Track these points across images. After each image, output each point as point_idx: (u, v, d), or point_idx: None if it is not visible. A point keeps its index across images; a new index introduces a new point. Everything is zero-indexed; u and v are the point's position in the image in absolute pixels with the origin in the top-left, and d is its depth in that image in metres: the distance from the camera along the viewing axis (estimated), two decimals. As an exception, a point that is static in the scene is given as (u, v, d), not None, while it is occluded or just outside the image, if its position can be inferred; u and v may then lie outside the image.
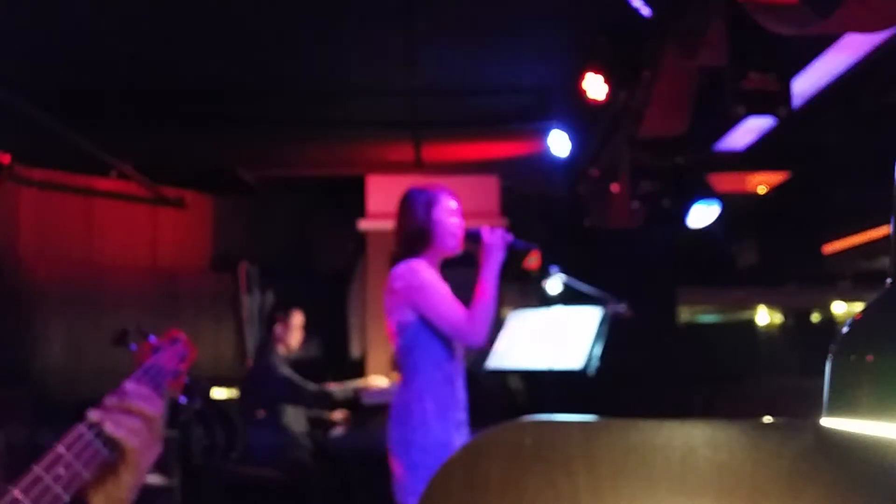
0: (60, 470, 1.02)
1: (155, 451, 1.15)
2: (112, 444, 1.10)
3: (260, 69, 4.82)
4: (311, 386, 5.08)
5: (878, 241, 6.09)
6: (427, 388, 3.07)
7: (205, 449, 5.72)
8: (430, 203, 3.18)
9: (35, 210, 6.35)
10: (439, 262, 3.21)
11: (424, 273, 3.09)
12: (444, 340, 3.10)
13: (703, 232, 4.34)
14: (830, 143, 4.65)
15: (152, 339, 1.38)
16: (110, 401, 1.13)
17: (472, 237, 3.19)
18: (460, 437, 3.06)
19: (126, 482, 1.12)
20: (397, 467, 3.07)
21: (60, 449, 1.04)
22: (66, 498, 1.02)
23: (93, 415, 1.11)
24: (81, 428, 1.08)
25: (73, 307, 6.40)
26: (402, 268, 3.12)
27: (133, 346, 1.37)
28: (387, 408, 3.30)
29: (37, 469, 1.01)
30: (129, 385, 1.17)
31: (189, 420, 5.66)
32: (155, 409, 1.15)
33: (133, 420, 1.12)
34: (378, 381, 5.46)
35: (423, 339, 3.09)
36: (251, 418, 5.19)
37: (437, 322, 3.05)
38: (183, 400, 1.40)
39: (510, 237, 3.18)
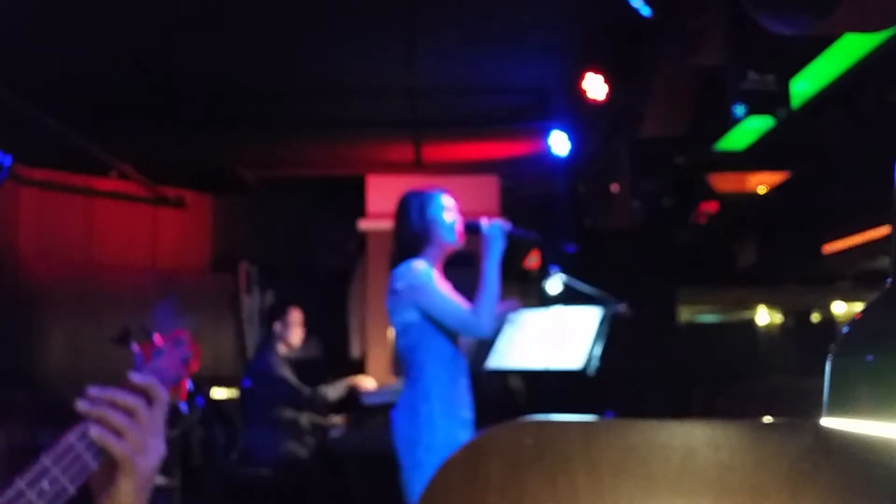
0: (45, 485, 0.96)
1: (154, 453, 1.07)
2: (102, 454, 1.03)
3: (260, 69, 4.82)
4: (306, 390, 5.08)
5: (878, 241, 6.08)
6: (432, 387, 3.08)
7: (205, 449, 5.73)
8: (424, 203, 3.20)
9: (35, 210, 6.35)
10: (442, 260, 3.21)
11: (425, 271, 3.10)
12: (449, 339, 3.11)
13: (703, 232, 4.34)
14: (830, 143, 4.65)
15: (156, 338, 1.29)
16: (95, 392, 1.05)
17: (472, 229, 3.20)
18: (466, 436, 3.06)
19: (126, 489, 1.05)
20: (403, 466, 3.08)
21: (47, 461, 0.97)
22: None
23: (80, 405, 1.03)
24: (71, 438, 1.01)
25: (73, 307, 6.39)
26: (403, 268, 3.13)
27: (134, 347, 1.27)
28: (387, 408, 3.30)
29: (20, 483, 0.95)
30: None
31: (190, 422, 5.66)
32: (141, 401, 1.05)
33: (119, 418, 1.03)
34: (368, 381, 5.45)
35: (427, 338, 3.09)
36: (251, 418, 5.19)
37: (441, 318, 3.05)
38: (184, 407, 1.32)
39: (509, 226, 3.19)
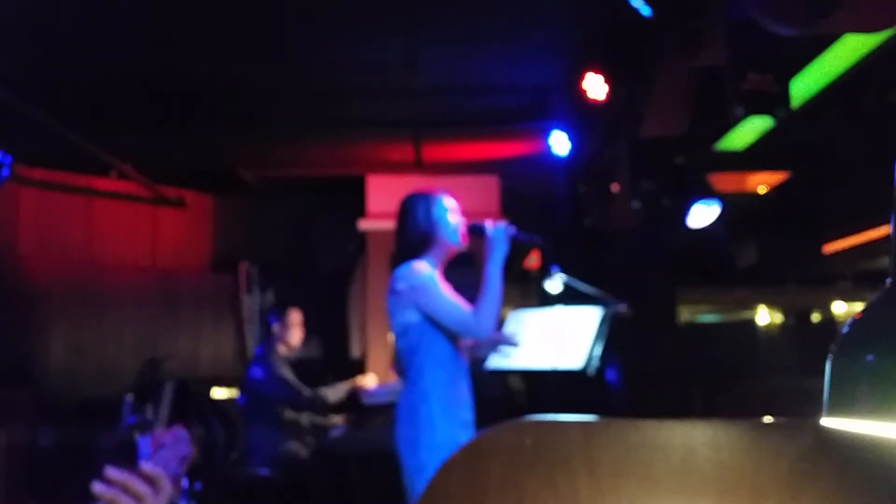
0: None
1: None
2: None
3: (260, 69, 4.82)
4: (306, 391, 5.08)
5: (878, 241, 6.08)
6: (432, 388, 3.07)
7: (205, 449, 5.72)
8: (430, 205, 3.20)
9: (35, 210, 6.35)
10: (445, 262, 3.21)
11: (426, 272, 3.10)
12: (448, 340, 3.10)
13: (703, 232, 4.34)
14: (830, 143, 4.65)
15: (158, 433, 1.35)
16: (113, 473, 1.11)
17: (476, 231, 3.20)
18: (466, 437, 3.05)
19: None
20: (405, 468, 3.08)
21: None
22: None
23: (97, 487, 1.09)
24: None
25: (73, 307, 6.40)
26: (404, 269, 3.13)
27: (141, 439, 1.35)
28: (387, 408, 3.30)
29: None
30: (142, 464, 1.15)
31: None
32: (149, 490, 1.12)
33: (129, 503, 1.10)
34: (368, 381, 5.45)
35: (426, 339, 3.09)
36: (251, 418, 5.19)
37: (442, 319, 3.05)
38: None
39: (513, 230, 3.19)
